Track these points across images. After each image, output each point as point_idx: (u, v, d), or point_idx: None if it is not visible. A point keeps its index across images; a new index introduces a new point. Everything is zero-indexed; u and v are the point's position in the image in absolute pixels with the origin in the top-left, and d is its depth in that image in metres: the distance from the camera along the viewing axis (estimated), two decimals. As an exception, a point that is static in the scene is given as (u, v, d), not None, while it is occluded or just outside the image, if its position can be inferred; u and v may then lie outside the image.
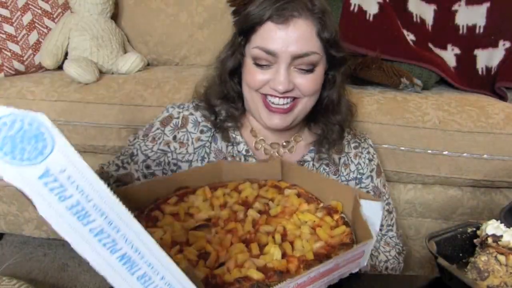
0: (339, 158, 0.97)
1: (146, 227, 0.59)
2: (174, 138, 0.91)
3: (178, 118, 0.92)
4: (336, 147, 0.95)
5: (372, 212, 0.58)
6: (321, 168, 0.95)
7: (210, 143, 0.92)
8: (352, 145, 0.98)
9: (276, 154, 0.93)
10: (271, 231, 0.60)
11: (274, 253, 0.54)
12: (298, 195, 0.69)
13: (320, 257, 0.53)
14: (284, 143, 0.94)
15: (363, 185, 0.98)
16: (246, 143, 0.92)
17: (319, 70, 0.84)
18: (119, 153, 0.95)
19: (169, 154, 0.91)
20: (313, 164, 0.94)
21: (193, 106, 0.94)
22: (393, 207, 1.03)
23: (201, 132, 0.92)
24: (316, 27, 0.80)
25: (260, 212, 0.65)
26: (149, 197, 0.68)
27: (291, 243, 0.57)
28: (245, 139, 0.93)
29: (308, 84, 0.83)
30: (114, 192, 0.33)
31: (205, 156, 0.91)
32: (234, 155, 0.91)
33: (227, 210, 0.65)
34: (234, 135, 0.92)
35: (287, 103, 0.83)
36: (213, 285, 0.49)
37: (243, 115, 0.95)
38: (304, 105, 0.86)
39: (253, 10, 0.82)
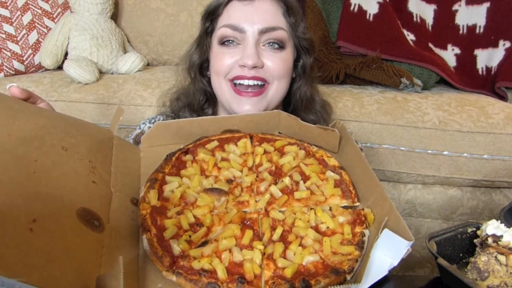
0: None
1: (169, 173, 0.62)
2: None
3: None
4: None
5: (391, 246, 0.50)
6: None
7: None
8: None
9: None
10: (280, 219, 0.58)
11: (255, 253, 0.52)
12: (337, 184, 0.64)
13: (298, 277, 0.50)
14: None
15: None
16: None
17: (288, 52, 0.84)
18: None
19: None
20: None
21: (163, 118, 0.95)
22: None
23: None
24: (281, 7, 0.82)
25: (285, 190, 0.63)
26: (195, 132, 0.70)
27: (287, 244, 0.55)
28: None
29: (277, 62, 0.81)
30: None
31: None
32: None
33: (253, 176, 0.64)
34: None
35: (257, 85, 0.81)
36: (180, 266, 0.50)
37: None
38: (275, 91, 0.83)
39: None
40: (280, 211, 0.60)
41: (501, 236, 0.64)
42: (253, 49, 0.78)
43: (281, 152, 0.69)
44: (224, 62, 0.81)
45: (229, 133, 0.71)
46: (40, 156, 0.50)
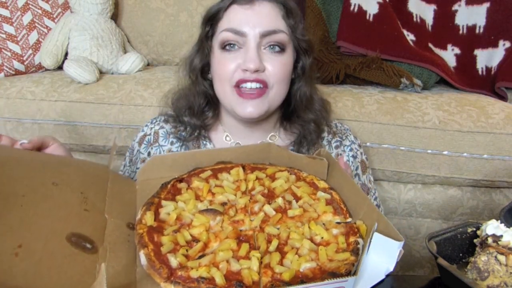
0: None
1: (165, 198, 0.64)
2: (149, 154, 0.94)
3: (150, 134, 0.95)
4: (316, 147, 0.94)
5: (384, 249, 0.53)
6: None
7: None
8: (333, 144, 0.96)
9: None
10: (275, 234, 0.60)
11: (252, 261, 0.53)
12: (329, 202, 0.66)
13: (296, 281, 0.51)
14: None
15: None
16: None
17: (288, 55, 0.84)
18: None
19: None
20: None
21: (164, 119, 0.96)
22: (379, 200, 1.03)
23: (171, 143, 0.94)
24: (281, 10, 0.82)
25: (278, 209, 0.65)
26: (190, 164, 0.73)
27: (283, 254, 0.56)
28: (216, 145, 0.93)
29: (278, 66, 0.82)
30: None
31: None
32: None
33: (246, 198, 0.66)
34: (204, 142, 0.93)
35: (258, 87, 0.82)
36: (178, 276, 0.50)
37: (216, 122, 0.95)
38: (275, 94, 0.84)
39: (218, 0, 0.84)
40: (275, 228, 0.61)
41: (501, 236, 0.64)
42: (255, 53, 0.79)
43: (273, 178, 0.72)
44: (226, 68, 0.81)
45: (221, 164, 0.74)
46: (28, 192, 0.51)
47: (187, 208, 0.63)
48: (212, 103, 0.92)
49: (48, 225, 0.49)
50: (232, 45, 0.81)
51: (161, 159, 0.72)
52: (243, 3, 0.79)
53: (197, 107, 0.91)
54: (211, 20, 0.84)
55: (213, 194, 0.67)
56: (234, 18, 0.80)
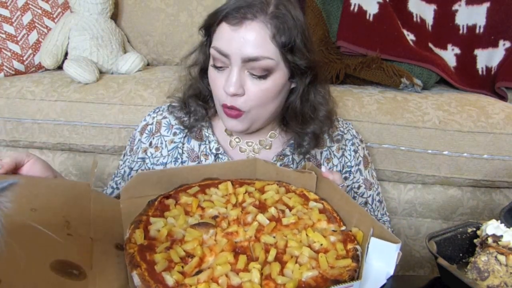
0: (321, 153, 0.94)
1: (153, 215, 0.61)
2: (150, 144, 0.93)
3: (152, 124, 0.94)
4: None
5: (382, 253, 0.52)
6: (302, 162, 0.93)
7: (183, 144, 0.92)
8: (335, 138, 0.95)
9: (252, 151, 0.92)
10: (272, 243, 0.58)
11: (253, 273, 0.52)
12: (322, 211, 0.66)
13: None
14: (260, 141, 0.93)
15: (354, 179, 0.97)
16: (218, 141, 0.91)
17: (275, 78, 0.79)
18: (113, 175, 0.98)
19: (147, 160, 0.92)
20: (292, 158, 0.92)
21: (167, 108, 0.95)
22: (382, 195, 1.02)
23: (174, 134, 0.93)
24: (270, 31, 0.76)
25: (271, 218, 0.63)
26: (176, 181, 0.70)
27: (283, 264, 0.55)
28: (218, 137, 0.92)
29: (256, 91, 0.78)
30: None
31: (178, 157, 0.92)
32: (207, 153, 0.91)
33: (238, 210, 0.64)
34: (207, 134, 0.92)
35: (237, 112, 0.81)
36: None
37: (216, 115, 0.94)
38: (256, 115, 0.82)
39: (217, 9, 0.80)
40: (271, 236, 0.60)
41: (501, 236, 0.64)
42: (235, 77, 0.77)
43: (262, 191, 0.71)
44: (216, 86, 0.81)
45: (209, 181, 0.72)
46: (5, 222, 0.47)
47: (177, 224, 0.60)
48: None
49: (28, 255, 0.44)
50: (219, 65, 0.80)
51: (146, 175, 0.70)
52: (232, 23, 0.76)
53: (202, 97, 0.91)
54: (207, 29, 0.84)
55: (203, 208, 0.65)
56: (221, 37, 0.78)
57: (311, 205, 0.67)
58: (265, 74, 0.78)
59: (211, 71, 0.83)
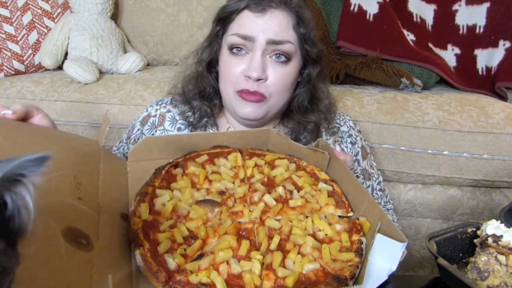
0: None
1: (160, 186, 0.61)
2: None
3: (155, 116, 0.94)
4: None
5: (387, 250, 0.51)
6: None
7: None
8: (330, 131, 0.96)
9: None
10: (276, 228, 0.58)
11: (254, 264, 0.51)
12: (330, 194, 0.65)
13: (299, 287, 0.49)
14: None
15: (352, 170, 0.97)
16: None
17: (293, 65, 0.84)
18: None
19: None
20: None
21: (171, 101, 0.95)
22: (384, 185, 1.03)
23: (178, 129, 0.93)
24: (292, 20, 0.83)
25: (279, 199, 0.63)
26: (184, 147, 0.69)
27: (285, 253, 0.54)
28: None
29: (280, 77, 0.82)
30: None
31: None
32: None
33: (245, 186, 0.64)
34: (211, 131, 0.93)
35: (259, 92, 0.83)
36: (177, 281, 0.49)
37: (221, 112, 0.96)
38: (274, 102, 0.85)
39: (231, 1, 0.84)
40: (275, 220, 0.60)
41: (501, 236, 0.64)
42: (259, 62, 0.80)
43: (272, 165, 0.70)
44: (232, 72, 0.83)
45: (218, 149, 0.71)
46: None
47: (183, 198, 0.60)
48: (218, 92, 0.93)
49: (40, 219, 0.42)
50: (239, 49, 0.82)
51: (154, 140, 0.69)
52: (255, 10, 0.80)
53: (206, 94, 0.92)
54: (223, 20, 0.85)
55: (210, 181, 0.64)
56: (245, 24, 0.81)
57: (320, 186, 0.66)
58: (287, 58, 0.83)
59: (227, 58, 0.84)
